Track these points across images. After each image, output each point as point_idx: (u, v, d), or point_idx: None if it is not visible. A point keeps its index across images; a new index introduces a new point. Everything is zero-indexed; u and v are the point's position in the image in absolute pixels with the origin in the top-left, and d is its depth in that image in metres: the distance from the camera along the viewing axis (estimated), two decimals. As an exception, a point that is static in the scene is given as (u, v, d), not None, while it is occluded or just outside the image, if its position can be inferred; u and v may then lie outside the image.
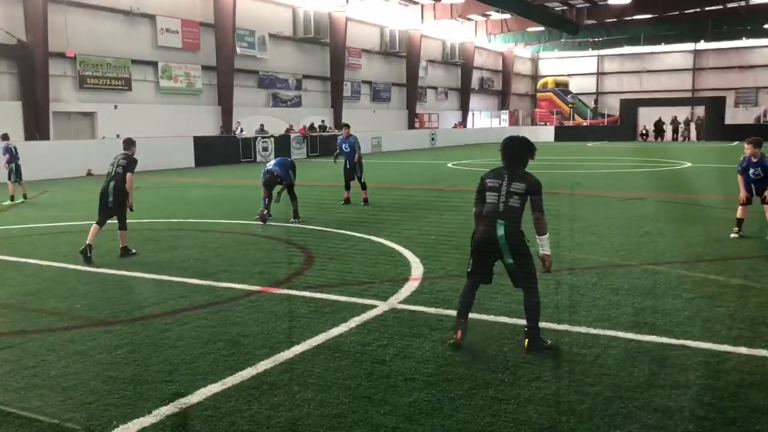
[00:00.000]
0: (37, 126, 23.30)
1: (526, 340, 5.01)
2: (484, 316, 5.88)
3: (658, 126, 49.91)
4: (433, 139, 44.06)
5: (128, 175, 8.86)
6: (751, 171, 9.50)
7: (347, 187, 14.27)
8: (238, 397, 4.28)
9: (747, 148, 9.60)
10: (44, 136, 23.37)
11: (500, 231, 4.92)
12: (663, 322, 5.70)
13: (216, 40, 30.33)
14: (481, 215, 5.06)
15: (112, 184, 8.84)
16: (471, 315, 5.80)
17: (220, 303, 6.48)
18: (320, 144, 34.03)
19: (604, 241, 9.46)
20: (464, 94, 53.30)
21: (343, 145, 14.36)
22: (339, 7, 36.63)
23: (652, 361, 4.80)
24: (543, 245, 4.97)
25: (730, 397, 4.20)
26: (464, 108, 53.58)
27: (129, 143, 9.29)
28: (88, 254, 8.47)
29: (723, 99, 48.83)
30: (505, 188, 4.93)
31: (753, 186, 9.53)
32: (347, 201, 14.10)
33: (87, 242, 8.60)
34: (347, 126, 14.99)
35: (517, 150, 5.05)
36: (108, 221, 8.95)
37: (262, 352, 5.06)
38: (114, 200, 8.83)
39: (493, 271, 5.23)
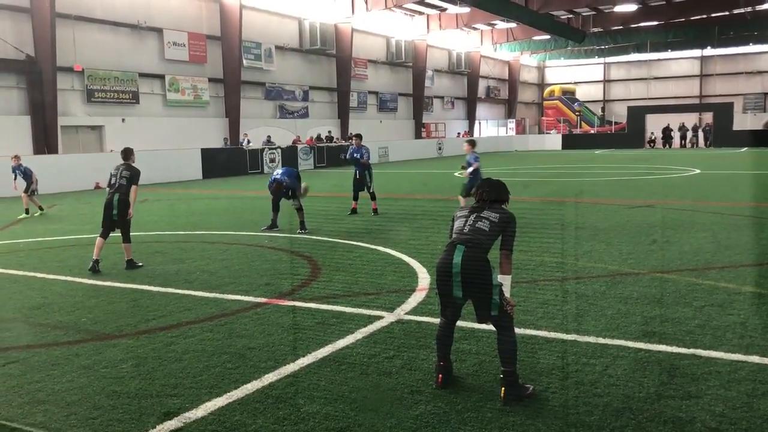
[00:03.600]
0: (45, 140, 23.45)
1: (503, 389, 4.27)
2: (492, 327, 5.80)
3: (666, 133, 49.77)
4: (440, 149, 44.06)
5: (133, 187, 8.89)
6: None
7: (355, 198, 14.28)
8: (243, 410, 4.24)
9: None
10: (53, 149, 23.52)
11: (457, 257, 4.34)
12: (673, 331, 5.63)
13: (223, 52, 30.50)
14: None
15: (116, 196, 8.84)
16: (478, 325, 5.76)
17: (226, 315, 6.45)
18: (327, 155, 34.07)
19: (613, 249, 9.39)
20: (471, 103, 53.35)
21: (355, 155, 14.33)
22: (345, 18, 36.79)
23: (662, 371, 4.73)
24: (505, 287, 4.38)
25: (743, 407, 4.12)
26: (471, 117, 53.61)
27: (129, 153, 9.25)
28: (96, 269, 8.59)
29: (731, 105, 48.65)
30: (475, 214, 4.49)
31: None
32: (354, 211, 14.14)
33: (93, 258, 8.68)
34: (359, 136, 14.80)
35: (496, 191, 4.60)
36: (111, 234, 8.97)
37: (267, 365, 5.02)
38: (118, 213, 8.84)
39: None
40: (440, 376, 4.52)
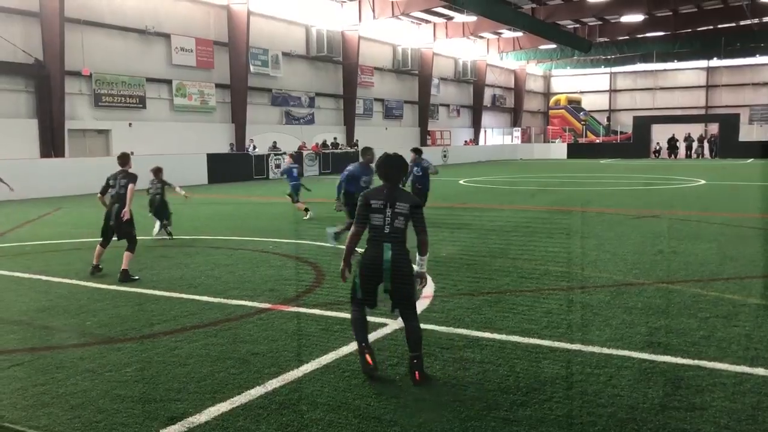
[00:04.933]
0: (52, 143, 23.54)
1: (416, 372, 4.74)
2: (496, 335, 5.81)
3: (672, 143, 49.71)
4: (445, 156, 44.08)
5: (130, 186, 8.65)
6: None
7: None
8: (246, 416, 4.24)
9: None
10: (59, 153, 23.61)
11: (387, 255, 4.75)
12: (678, 341, 5.61)
13: (230, 58, 30.62)
14: (358, 236, 4.95)
15: (116, 207, 8.64)
16: (482, 334, 5.77)
17: (230, 321, 6.45)
18: (333, 161, 34.12)
19: (618, 259, 9.37)
20: (476, 111, 53.40)
21: (415, 169, 13.56)
22: (352, 25, 36.92)
23: (666, 382, 4.72)
24: (422, 264, 4.85)
25: (747, 419, 4.11)
26: (476, 125, 53.67)
27: (126, 159, 8.93)
28: (96, 273, 8.66)
29: (737, 116, 48.58)
30: (389, 210, 4.78)
31: None
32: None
33: (93, 263, 8.76)
34: (417, 151, 13.77)
35: (396, 167, 4.93)
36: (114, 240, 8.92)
37: (271, 371, 5.02)
38: (116, 222, 8.66)
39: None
40: (368, 356, 4.87)
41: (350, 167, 10.83)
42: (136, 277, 8.48)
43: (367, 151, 11.21)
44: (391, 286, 4.80)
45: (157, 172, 12.68)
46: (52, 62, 23.13)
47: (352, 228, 4.99)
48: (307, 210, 14.59)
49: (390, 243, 4.77)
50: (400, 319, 6.34)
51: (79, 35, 24.50)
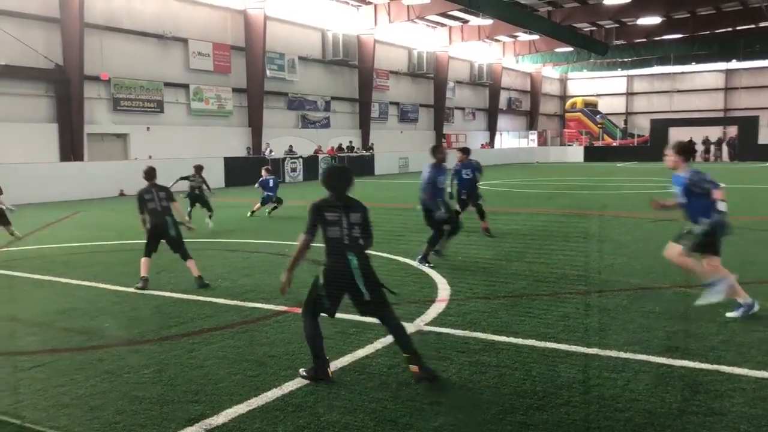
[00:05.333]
0: (71, 147, 23.81)
1: (417, 366, 4.81)
2: (512, 339, 5.80)
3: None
4: (460, 160, 43.95)
5: (175, 204, 8.63)
6: None
7: (464, 211, 11.96)
8: (263, 418, 4.27)
9: None
10: (78, 157, 23.87)
11: (353, 263, 4.85)
12: (696, 346, 5.57)
13: (246, 62, 30.80)
14: (308, 245, 5.00)
15: (169, 220, 8.44)
16: (498, 338, 5.76)
17: (247, 323, 6.49)
18: (348, 165, 34.19)
19: (635, 262, 9.31)
20: (492, 114, 53.26)
21: (463, 172, 12.04)
22: (367, 29, 37.01)
23: (685, 387, 4.69)
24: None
25: (767, 425, 4.07)
26: (492, 128, 53.52)
27: (154, 173, 8.82)
28: (145, 287, 8.12)
29: (756, 118, 48.02)
30: (345, 220, 4.89)
31: None
32: (487, 231, 12.05)
33: (142, 275, 8.24)
34: (465, 151, 12.33)
35: (343, 179, 5.04)
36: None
37: (287, 373, 5.05)
38: (176, 233, 8.51)
39: None
40: (329, 370, 4.92)
41: (425, 173, 9.84)
42: (208, 283, 8.25)
43: (437, 149, 10.32)
44: (369, 296, 4.88)
45: (199, 169, 14.90)
46: (72, 67, 23.41)
47: (303, 237, 4.97)
48: (252, 213, 16.09)
49: (353, 253, 4.86)
50: (416, 322, 6.37)
51: (98, 40, 24.77)
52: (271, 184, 16.00)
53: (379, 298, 4.93)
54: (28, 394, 4.76)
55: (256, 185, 16.54)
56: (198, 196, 14.76)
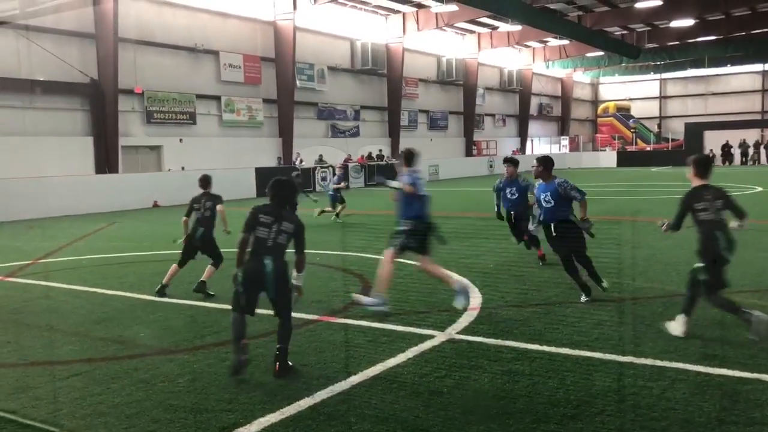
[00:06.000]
0: (107, 160, 24.28)
1: (277, 363, 5.23)
2: (546, 348, 5.74)
3: (726, 150, 48.24)
4: (491, 166, 43.81)
5: (219, 207, 8.60)
6: None
7: (523, 241, 10.40)
8: (295, 427, 4.28)
9: None
10: (113, 169, 24.32)
11: (269, 267, 5.28)
12: (734, 354, 5.45)
13: (276, 73, 31.11)
14: (245, 246, 5.41)
15: (201, 230, 8.48)
16: (531, 346, 5.72)
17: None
18: (378, 173, 34.28)
19: (670, 269, 9.15)
20: (522, 120, 52.93)
21: (508, 191, 10.27)
22: (396, 38, 37.13)
23: (723, 396, 4.58)
24: (299, 279, 5.52)
25: (811, 435, 3.96)
26: (523, 134, 53.17)
27: (208, 181, 8.85)
28: (164, 293, 8.36)
29: (795, 120, 46.97)
30: (276, 226, 5.35)
31: None
32: (542, 259, 10.03)
33: (164, 282, 8.42)
34: (512, 162, 10.32)
35: (287, 192, 5.58)
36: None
37: (319, 382, 5.06)
38: (204, 243, 8.53)
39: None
40: (243, 357, 5.28)
41: (497, 183, 10.81)
42: (212, 293, 8.32)
43: (509, 161, 10.78)
44: (275, 296, 5.36)
45: (297, 176, 16.20)
46: (107, 81, 23.90)
47: (241, 236, 5.47)
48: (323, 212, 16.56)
49: (271, 257, 5.31)
50: (447, 330, 6.35)
51: (131, 54, 25.26)
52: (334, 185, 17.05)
53: (284, 302, 5.42)
54: (67, 402, 4.84)
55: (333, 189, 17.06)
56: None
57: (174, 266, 8.55)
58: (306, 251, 5.56)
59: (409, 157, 7.49)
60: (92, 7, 23.62)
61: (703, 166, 6.24)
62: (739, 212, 6.07)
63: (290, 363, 5.34)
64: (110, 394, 4.97)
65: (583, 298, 7.37)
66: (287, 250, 5.46)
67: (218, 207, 8.60)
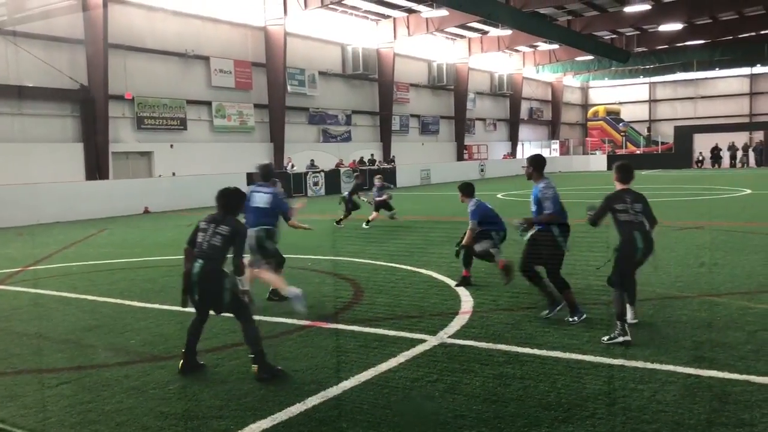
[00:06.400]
0: (97, 166, 24.19)
1: (255, 366, 5.30)
2: (537, 351, 5.75)
3: (715, 152, 48.59)
4: (482, 170, 43.89)
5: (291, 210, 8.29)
6: None
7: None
8: (286, 433, 4.27)
9: None
10: (104, 175, 24.23)
11: (196, 269, 5.37)
12: (724, 356, 5.47)
13: (267, 78, 31.10)
14: (189, 252, 5.56)
15: (261, 231, 7.98)
16: (522, 349, 5.73)
17: (270, 338, 6.51)
18: (369, 177, 34.30)
19: (661, 272, 9.18)
20: (513, 124, 53.11)
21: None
22: (387, 43, 37.21)
23: (713, 398, 4.61)
24: (241, 283, 5.62)
25: (800, 436, 3.98)
26: (513, 139, 53.35)
27: (270, 172, 8.44)
28: (272, 297, 8.13)
29: (783, 123, 47.33)
30: (211, 229, 5.47)
31: None
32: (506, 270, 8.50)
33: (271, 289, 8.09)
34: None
35: (229, 200, 5.66)
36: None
37: (310, 388, 5.06)
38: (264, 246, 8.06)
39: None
40: (185, 360, 5.49)
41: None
42: (276, 298, 8.00)
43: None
44: (198, 298, 5.47)
45: (382, 177, 17.30)
46: (97, 87, 23.83)
47: (185, 248, 5.60)
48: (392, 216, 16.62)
49: (203, 260, 5.38)
50: (439, 334, 6.35)
51: (122, 60, 25.20)
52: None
53: (214, 305, 5.51)
54: (56, 410, 4.81)
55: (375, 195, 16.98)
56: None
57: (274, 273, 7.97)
58: (281, 257, 5.67)
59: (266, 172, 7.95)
60: (81, 13, 23.56)
61: (625, 172, 6.75)
62: (652, 219, 6.58)
63: (273, 365, 5.37)
64: (100, 402, 4.94)
65: (568, 318, 6.78)
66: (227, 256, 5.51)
67: (291, 210, 8.29)
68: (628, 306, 6.52)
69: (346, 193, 17.38)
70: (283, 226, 8.27)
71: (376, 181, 17.03)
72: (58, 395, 5.13)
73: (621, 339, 5.89)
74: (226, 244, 5.44)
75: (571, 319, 6.73)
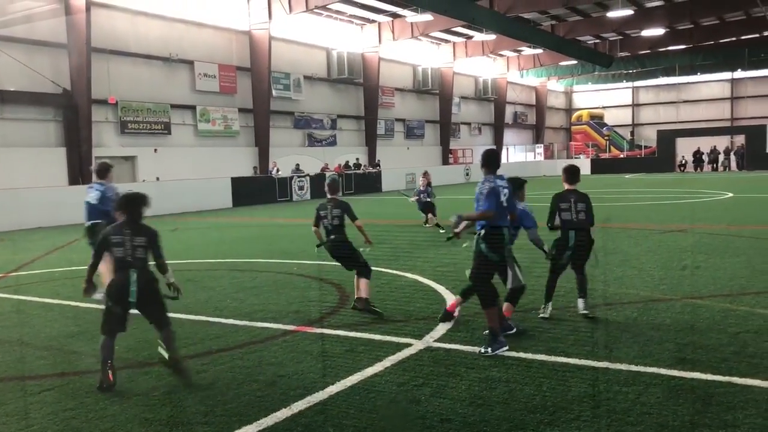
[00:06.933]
0: (80, 171, 23.97)
1: (172, 369, 5.47)
2: (522, 354, 5.77)
3: (697, 156, 49.13)
4: (467, 174, 44.05)
5: (356, 223, 7.73)
6: None
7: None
8: (272, 438, 4.25)
9: None
10: (87, 180, 23.96)
11: (132, 278, 5.42)
12: (707, 358, 5.53)
13: (252, 83, 31.02)
14: (94, 267, 5.70)
15: (332, 238, 7.69)
16: (508, 353, 5.75)
17: (256, 343, 6.49)
18: (355, 181, 34.35)
19: (644, 274, 9.26)
20: (498, 129, 53.34)
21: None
22: (372, 47, 37.27)
23: (696, 400, 4.65)
24: (170, 276, 5.65)
25: (781, 437, 4.02)
26: (498, 143, 53.54)
27: (335, 186, 7.93)
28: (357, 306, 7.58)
29: (763, 128, 47.86)
30: (129, 243, 5.47)
31: None
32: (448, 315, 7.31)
33: (362, 297, 7.56)
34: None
35: (136, 206, 5.62)
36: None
37: (296, 393, 5.04)
38: (342, 254, 7.79)
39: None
40: (110, 373, 5.37)
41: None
42: (378, 310, 7.46)
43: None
44: (144, 307, 5.53)
45: (428, 175, 16.98)
46: (80, 91, 23.64)
47: (91, 259, 5.70)
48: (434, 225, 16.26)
49: (135, 270, 5.45)
50: (425, 338, 6.35)
51: (105, 64, 25.03)
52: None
53: (155, 312, 5.59)
54: (38, 418, 4.76)
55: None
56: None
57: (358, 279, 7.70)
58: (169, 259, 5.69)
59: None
60: (64, 17, 23.38)
61: (571, 174, 7.23)
62: (592, 219, 7.08)
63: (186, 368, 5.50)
64: (83, 409, 4.90)
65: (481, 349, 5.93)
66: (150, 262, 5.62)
67: (356, 222, 7.74)
68: (579, 299, 7.08)
69: (413, 199, 16.96)
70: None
71: (422, 180, 16.74)
72: (41, 402, 5.08)
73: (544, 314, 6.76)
74: (147, 252, 5.54)
75: (483, 350, 5.82)
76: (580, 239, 6.94)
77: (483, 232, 6.17)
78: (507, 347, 5.86)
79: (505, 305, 6.65)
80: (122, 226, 5.56)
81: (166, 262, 5.65)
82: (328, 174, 7.65)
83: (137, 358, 6.16)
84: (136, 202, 5.63)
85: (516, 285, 6.69)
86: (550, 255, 7.14)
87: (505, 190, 6.27)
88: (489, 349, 5.81)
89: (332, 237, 7.69)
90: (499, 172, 6.54)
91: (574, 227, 6.94)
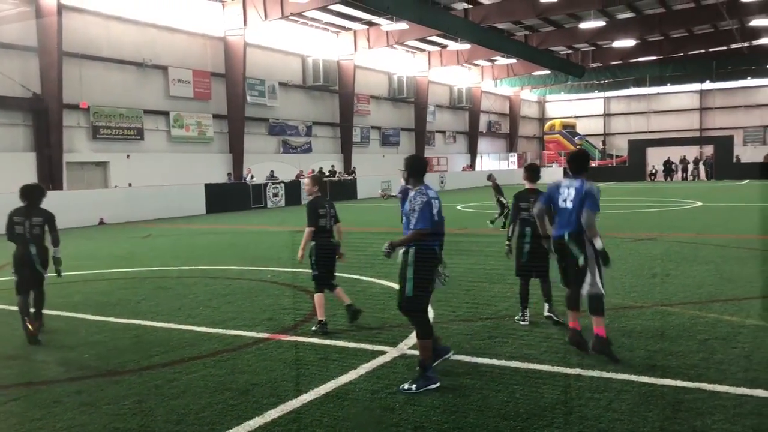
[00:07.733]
0: (50, 176, 23.59)
1: (35, 323, 7.19)
2: (495, 361, 5.80)
3: (667, 166, 49.99)
4: (442, 182, 44.24)
5: (307, 230, 7.35)
6: None
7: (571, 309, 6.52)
8: (245, 447, 4.21)
9: None
10: (57, 186, 23.63)
11: (33, 251, 7.22)
12: (677, 364, 5.60)
13: (227, 89, 30.85)
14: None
15: (333, 241, 7.49)
16: (481, 360, 5.77)
17: (228, 351, 6.43)
18: (331, 188, 34.25)
19: (615, 282, 9.36)
20: (472, 137, 53.75)
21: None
22: (347, 55, 37.33)
23: (666, 406, 4.71)
24: (58, 252, 7.46)
25: (748, 442, 4.09)
26: (473, 151, 53.98)
27: (319, 181, 7.72)
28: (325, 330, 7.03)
29: (731, 138, 48.93)
30: (28, 223, 7.25)
31: None
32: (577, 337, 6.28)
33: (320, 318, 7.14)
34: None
35: (34, 194, 7.47)
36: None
37: (269, 401, 5.00)
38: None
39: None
40: (29, 324, 7.05)
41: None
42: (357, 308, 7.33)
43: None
44: (38, 274, 7.30)
45: (490, 177, 18.88)
46: (50, 96, 23.28)
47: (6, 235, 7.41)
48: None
49: (34, 245, 7.23)
50: (399, 346, 6.35)
51: (77, 69, 24.71)
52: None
53: (38, 279, 7.34)
54: (4, 429, 4.66)
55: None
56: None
57: (317, 296, 7.30)
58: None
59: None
60: (35, 20, 23.04)
61: (532, 172, 7.43)
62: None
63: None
64: (51, 419, 4.81)
65: None
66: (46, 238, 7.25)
67: (337, 225, 7.58)
68: (545, 303, 7.31)
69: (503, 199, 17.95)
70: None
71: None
72: (7, 413, 4.98)
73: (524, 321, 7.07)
74: (44, 230, 7.30)
75: (406, 387, 5.14)
76: (538, 240, 6.78)
77: (411, 252, 5.44)
78: (438, 384, 5.14)
79: (594, 320, 5.84)
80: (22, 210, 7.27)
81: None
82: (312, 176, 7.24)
83: (107, 367, 6.06)
84: (32, 191, 7.47)
85: (594, 292, 5.91)
86: (523, 257, 7.31)
87: (436, 201, 5.42)
88: (413, 387, 5.07)
89: (332, 240, 7.51)
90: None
91: (530, 225, 7.07)
